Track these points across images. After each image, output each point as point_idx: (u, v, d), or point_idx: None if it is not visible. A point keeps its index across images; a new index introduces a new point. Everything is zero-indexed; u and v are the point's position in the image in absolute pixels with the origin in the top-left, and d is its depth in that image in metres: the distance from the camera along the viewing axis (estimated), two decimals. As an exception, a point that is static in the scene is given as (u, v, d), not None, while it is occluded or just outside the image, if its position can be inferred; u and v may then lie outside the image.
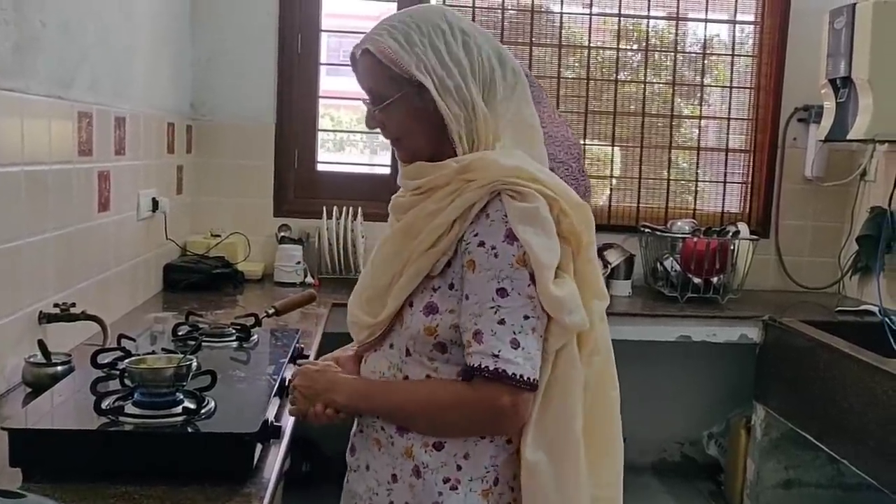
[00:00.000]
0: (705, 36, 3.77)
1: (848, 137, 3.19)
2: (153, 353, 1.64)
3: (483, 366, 1.21)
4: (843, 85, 3.18)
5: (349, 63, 1.38)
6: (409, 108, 1.29)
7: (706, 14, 3.74)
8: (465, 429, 1.28)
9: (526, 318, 1.21)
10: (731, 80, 3.77)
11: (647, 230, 3.57)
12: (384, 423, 1.34)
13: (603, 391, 1.34)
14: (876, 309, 3.17)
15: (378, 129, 1.37)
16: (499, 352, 1.20)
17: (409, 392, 1.32)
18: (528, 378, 1.21)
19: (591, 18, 3.69)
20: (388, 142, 1.41)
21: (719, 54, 3.79)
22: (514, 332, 1.20)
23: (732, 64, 3.77)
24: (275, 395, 1.63)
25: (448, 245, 1.25)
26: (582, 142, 3.65)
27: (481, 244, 1.23)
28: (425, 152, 1.32)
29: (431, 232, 1.26)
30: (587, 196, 2.83)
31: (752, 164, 3.79)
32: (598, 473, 1.33)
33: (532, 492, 1.27)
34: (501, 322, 1.21)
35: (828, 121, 3.30)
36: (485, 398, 1.22)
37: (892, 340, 2.94)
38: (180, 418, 1.41)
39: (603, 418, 1.35)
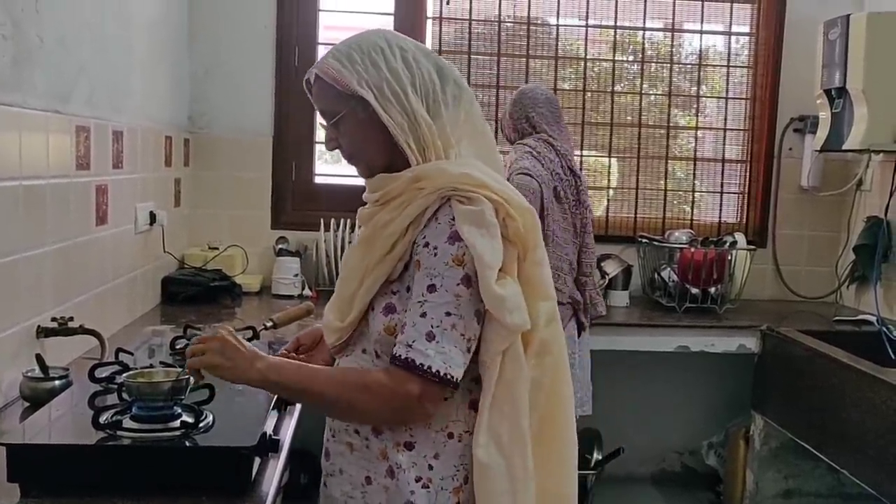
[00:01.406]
0: (701, 47, 3.79)
1: (843, 147, 3.20)
2: (151, 366, 1.63)
3: (397, 354, 1.27)
4: (838, 95, 3.20)
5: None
6: (357, 123, 1.35)
7: (702, 25, 3.76)
8: (372, 412, 1.30)
9: (448, 314, 1.26)
10: (727, 91, 3.79)
11: (644, 240, 3.58)
12: (358, 426, 1.38)
13: (557, 390, 1.38)
14: (873, 318, 3.17)
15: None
16: (413, 342, 1.26)
17: (324, 373, 1.35)
18: (437, 371, 1.25)
19: (587, 30, 3.71)
20: None
21: (715, 65, 3.81)
22: (432, 326, 1.26)
23: (728, 75, 3.78)
24: (273, 409, 1.63)
25: (403, 250, 1.32)
26: (578, 153, 3.66)
27: (426, 245, 1.30)
28: (379, 165, 1.39)
29: (387, 239, 1.33)
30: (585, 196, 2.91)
31: (748, 174, 3.80)
32: (556, 471, 1.39)
33: (485, 489, 1.31)
34: (423, 315, 1.27)
35: (823, 131, 3.32)
36: (393, 384, 1.26)
37: (889, 349, 2.95)
38: (178, 432, 1.41)
39: (558, 417, 1.39)
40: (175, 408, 1.46)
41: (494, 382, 1.29)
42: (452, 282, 1.27)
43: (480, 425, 1.30)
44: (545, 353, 1.35)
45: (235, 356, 1.31)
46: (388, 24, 3.61)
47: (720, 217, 3.81)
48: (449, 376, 1.25)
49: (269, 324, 2.12)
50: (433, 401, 1.27)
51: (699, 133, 3.84)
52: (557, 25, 3.70)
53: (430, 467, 1.34)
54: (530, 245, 1.33)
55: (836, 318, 3.37)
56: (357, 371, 1.36)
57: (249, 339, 2.01)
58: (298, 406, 1.83)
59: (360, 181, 1.45)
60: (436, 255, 1.28)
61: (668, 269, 3.47)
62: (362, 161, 1.41)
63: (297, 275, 3.32)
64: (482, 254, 1.25)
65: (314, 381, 1.31)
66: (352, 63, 1.33)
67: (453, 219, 1.28)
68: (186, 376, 1.49)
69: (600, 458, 3.50)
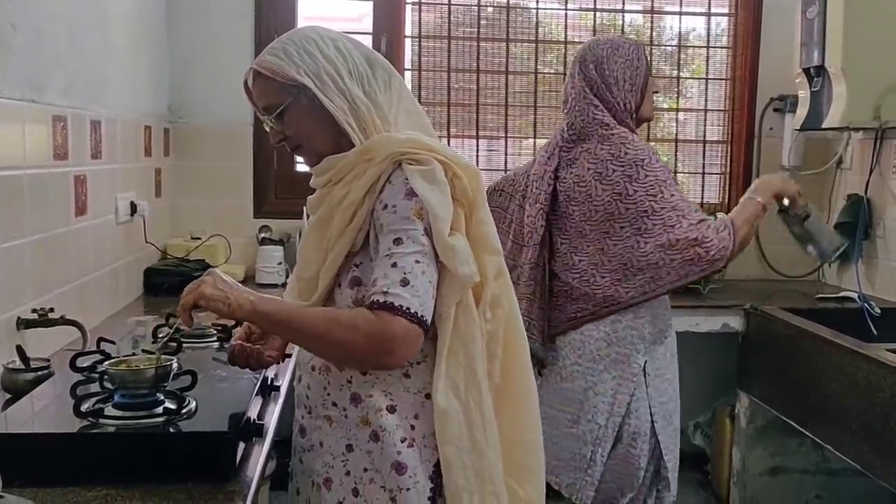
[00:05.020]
0: (680, 29, 3.79)
1: (823, 126, 3.21)
2: (133, 355, 1.63)
3: (374, 300, 1.30)
4: (816, 74, 3.21)
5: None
6: (301, 111, 1.42)
7: (681, 7, 3.76)
8: (357, 348, 1.32)
9: (417, 262, 1.32)
10: (707, 73, 3.80)
11: (627, 223, 3.57)
12: (335, 398, 1.43)
13: (513, 340, 1.47)
14: (855, 295, 3.20)
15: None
16: (388, 289, 1.30)
17: (313, 308, 1.40)
18: (415, 312, 1.30)
19: (566, 14, 3.70)
20: None
21: (695, 47, 3.82)
22: (405, 273, 1.31)
23: (708, 56, 3.79)
24: (257, 395, 1.63)
25: (362, 220, 1.38)
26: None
27: (385, 207, 1.36)
28: (326, 151, 1.44)
29: (345, 211, 1.38)
30: None
31: (729, 154, 3.81)
32: (517, 418, 1.48)
33: (444, 433, 1.38)
34: (394, 265, 1.32)
35: (803, 110, 3.33)
36: (380, 322, 1.29)
37: (871, 325, 2.97)
38: (161, 419, 1.41)
39: (516, 366, 1.48)
40: (157, 394, 1.45)
41: (450, 333, 1.37)
42: (417, 234, 1.33)
43: (439, 374, 1.38)
44: (496, 305, 1.44)
45: (227, 289, 1.34)
46: (367, 10, 3.60)
47: (702, 198, 3.82)
48: (425, 318, 1.31)
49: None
50: (414, 341, 1.31)
51: (680, 115, 3.85)
52: (537, 9, 3.69)
53: (413, 427, 1.41)
54: (476, 203, 1.41)
55: (819, 295, 3.39)
56: (345, 309, 1.38)
57: (233, 327, 2.02)
58: (283, 391, 1.84)
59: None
60: (396, 212, 1.34)
61: (652, 250, 3.47)
62: (309, 149, 1.47)
63: (280, 263, 3.31)
64: (435, 208, 1.33)
65: (303, 314, 1.35)
66: (288, 55, 1.40)
67: (407, 179, 1.35)
68: (169, 362, 1.49)
69: (588, 439, 3.51)
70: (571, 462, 2.33)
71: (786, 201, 2.43)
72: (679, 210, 2.19)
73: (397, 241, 1.33)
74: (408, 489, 1.39)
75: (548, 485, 2.56)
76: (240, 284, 1.37)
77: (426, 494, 1.40)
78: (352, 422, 1.42)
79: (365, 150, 1.38)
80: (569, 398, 2.34)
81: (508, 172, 2.75)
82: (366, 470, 1.41)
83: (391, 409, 1.41)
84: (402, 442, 1.40)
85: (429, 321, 1.32)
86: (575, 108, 2.33)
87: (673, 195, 2.21)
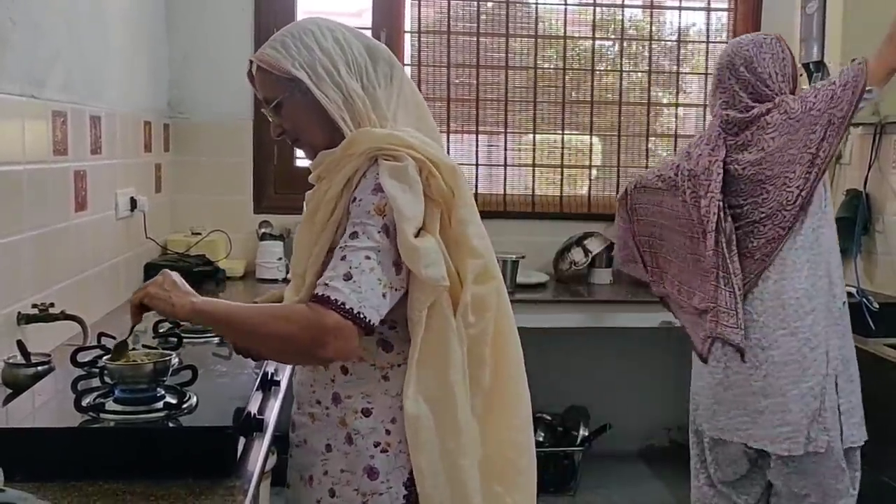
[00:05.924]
0: (680, 24, 3.79)
1: (823, 121, 3.21)
2: (133, 349, 1.63)
3: (315, 292, 1.30)
4: (816, 69, 3.21)
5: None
6: (297, 105, 1.41)
7: (680, 2, 3.76)
8: (291, 340, 1.31)
9: (367, 258, 1.30)
10: (707, 68, 3.79)
11: (627, 218, 3.57)
12: (320, 396, 1.44)
13: (502, 343, 1.45)
14: (854, 290, 3.19)
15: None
16: (329, 281, 1.29)
17: (251, 306, 1.42)
18: (351, 308, 1.27)
19: (566, 9, 3.70)
20: None
21: (694, 42, 3.81)
22: (351, 268, 1.29)
23: (707, 51, 3.79)
24: (257, 389, 1.63)
25: (341, 214, 1.37)
26: (560, 132, 3.67)
27: (354, 199, 1.35)
28: (322, 145, 1.43)
29: (327, 205, 1.38)
30: None
31: (729, 150, 3.81)
32: (508, 418, 1.46)
33: (414, 440, 1.36)
34: (343, 258, 1.30)
35: (803, 105, 3.32)
36: (312, 315, 1.28)
37: (869, 321, 2.97)
38: (161, 413, 1.41)
39: (507, 368, 1.46)
40: (158, 389, 1.46)
41: (421, 338, 1.35)
42: (373, 230, 1.31)
43: (409, 379, 1.35)
44: (483, 309, 1.40)
45: (172, 289, 1.34)
46: (366, 5, 3.60)
47: (702, 193, 3.81)
48: (362, 315, 1.28)
49: (253, 306, 2.12)
50: (347, 337, 1.28)
51: (680, 110, 3.84)
52: (536, 4, 3.69)
53: (388, 432, 1.40)
54: (455, 203, 1.38)
55: (818, 290, 3.38)
56: (281, 304, 1.41)
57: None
58: (283, 386, 1.84)
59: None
60: (360, 205, 1.33)
61: (652, 245, 3.47)
62: (306, 143, 1.46)
63: (280, 258, 3.31)
64: (401, 207, 1.30)
65: (240, 311, 1.35)
66: (285, 48, 1.39)
67: (378, 174, 1.33)
68: (168, 357, 1.49)
69: (587, 434, 3.53)
70: (803, 420, 2.27)
71: None
72: (851, 82, 2.27)
73: (353, 235, 1.31)
74: (381, 494, 1.39)
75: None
76: (188, 286, 1.36)
77: (399, 501, 1.40)
78: (332, 421, 1.43)
79: (348, 144, 1.37)
80: (783, 362, 2.28)
81: (652, 168, 2.70)
82: (342, 471, 1.41)
83: (366, 413, 1.40)
84: (376, 447, 1.39)
85: (370, 320, 1.28)
86: (728, 110, 2.35)
87: (834, 82, 2.29)
